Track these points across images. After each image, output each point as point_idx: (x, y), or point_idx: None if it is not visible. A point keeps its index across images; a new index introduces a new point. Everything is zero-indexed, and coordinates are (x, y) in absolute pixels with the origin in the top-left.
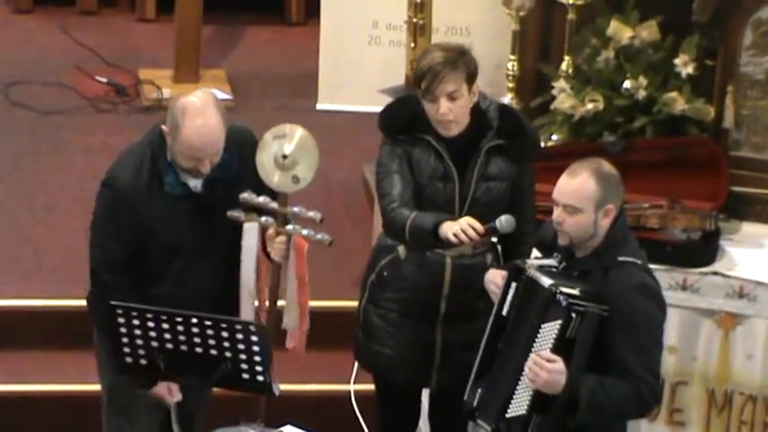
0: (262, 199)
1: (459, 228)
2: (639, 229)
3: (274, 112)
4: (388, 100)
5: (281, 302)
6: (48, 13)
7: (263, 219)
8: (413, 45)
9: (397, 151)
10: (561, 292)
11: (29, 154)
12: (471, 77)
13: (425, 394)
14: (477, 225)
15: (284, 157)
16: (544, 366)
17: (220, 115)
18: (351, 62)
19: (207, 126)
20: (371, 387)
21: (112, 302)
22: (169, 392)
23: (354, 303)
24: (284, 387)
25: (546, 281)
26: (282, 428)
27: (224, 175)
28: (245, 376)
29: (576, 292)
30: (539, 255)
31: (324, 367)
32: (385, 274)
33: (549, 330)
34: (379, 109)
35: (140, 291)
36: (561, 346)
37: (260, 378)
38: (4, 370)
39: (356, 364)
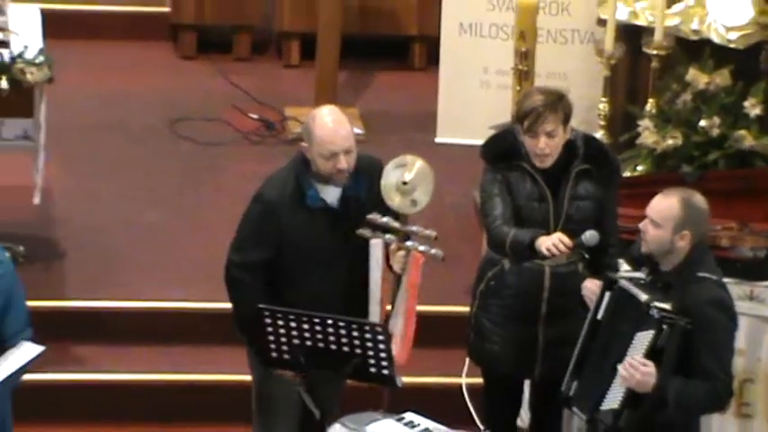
0: (386, 219)
1: (551, 242)
2: (713, 248)
3: (399, 145)
4: None
5: (389, 307)
6: (209, 59)
7: (387, 236)
8: (518, 88)
9: (497, 177)
10: (655, 307)
11: (191, 180)
12: (567, 119)
13: (527, 385)
14: (566, 239)
15: (404, 183)
16: (638, 369)
17: (346, 118)
18: (465, 102)
19: (336, 120)
20: (480, 380)
21: (260, 306)
22: (291, 373)
23: (465, 308)
24: (406, 380)
25: (643, 296)
26: (404, 415)
27: (356, 193)
28: (373, 370)
29: (667, 306)
30: (628, 268)
31: (439, 363)
32: (492, 283)
33: (643, 338)
34: None
35: (277, 293)
36: (652, 352)
37: (385, 372)
38: (169, 362)
39: (467, 360)
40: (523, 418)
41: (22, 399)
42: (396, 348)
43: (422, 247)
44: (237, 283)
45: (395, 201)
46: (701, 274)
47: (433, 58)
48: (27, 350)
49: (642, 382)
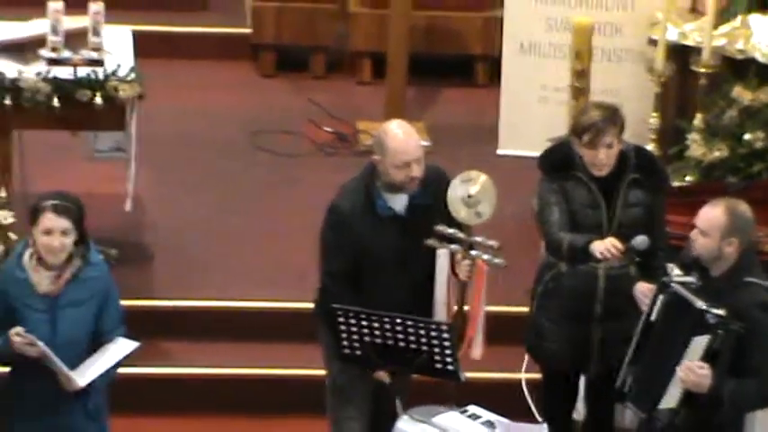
0: (452, 230)
1: (604, 246)
2: (756, 254)
3: (463, 156)
4: None
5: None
6: (287, 77)
7: (453, 246)
8: (574, 104)
9: (554, 186)
10: (711, 313)
11: (270, 188)
12: (621, 131)
13: (582, 380)
14: (618, 244)
15: (469, 196)
16: (695, 371)
17: (415, 133)
18: (524, 117)
19: (406, 132)
20: (539, 376)
21: (334, 305)
22: (385, 374)
23: (524, 309)
24: (469, 375)
25: (698, 302)
26: (467, 408)
27: (422, 201)
28: (438, 366)
29: (722, 312)
30: (680, 272)
31: (500, 360)
32: (550, 285)
33: (700, 342)
34: None
35: (357, 296)
36: (708, 355)
37: (450, 367)
38: (249, 357)
39: (527, 357)
40: (579, 411)
41: (116, 391)
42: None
43: (485, 256)
44: (327, 291)
45: (461, 213)
46: (748, 279)
47: (495, 76)
48: (123, 346)
49: (699, 383)
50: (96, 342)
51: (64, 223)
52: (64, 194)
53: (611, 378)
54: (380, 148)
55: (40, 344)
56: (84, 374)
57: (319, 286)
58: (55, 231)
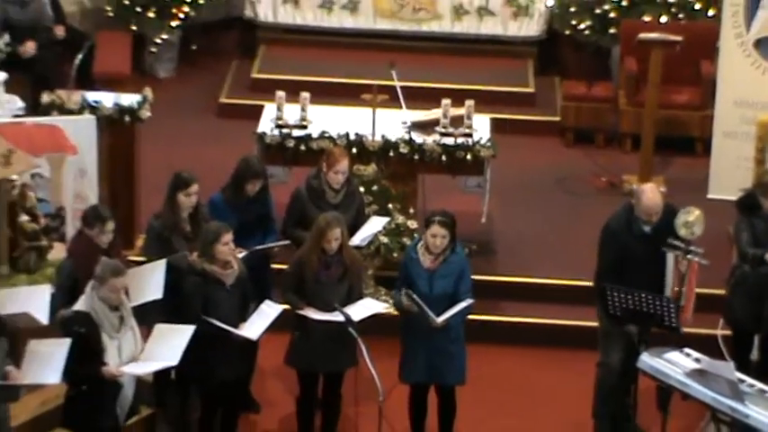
0: (677, 242)
1: None
2: None
3: (686, 198)
4: None
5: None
6: (581, 147)
7: (677, 252)
8: (757, 170)
9: (744, 219)
10: None
11: (569, 214)
12: None
13: (756, 337)
14: None
15: (688, 222)
16: None
17: (659, 193)
18: (725, 175)
19: (654, 195)
20: (729, 332)
21: (604, 285)
22: (634, 327)
23: (721, 291)
24: (685, 330)
25: None
26: (683, 349)
27: (661, 225)
28: (666, 323)
29: None
30: None
31: (705, 322)
32: (738, 279)
33: None
34: None
35: (618, 280)
36: None
37: (673, 324)
38: (553, 314)
39: (721, 321)
40: (754, 354)
41: (472, 330)
42: (685, 313)
43: (696, 258)
44: (600, 276)
45: (682, 231)
46: None
47: (707, 150)
48: (466, 303)
49: None
50: (454, 300)
51: (443, 231)
52: (446, 213)
53: None
54: (637, 200)
55: (416, 298)
56: (442, 318)
57: (596, 273)
58: (437, 236)
